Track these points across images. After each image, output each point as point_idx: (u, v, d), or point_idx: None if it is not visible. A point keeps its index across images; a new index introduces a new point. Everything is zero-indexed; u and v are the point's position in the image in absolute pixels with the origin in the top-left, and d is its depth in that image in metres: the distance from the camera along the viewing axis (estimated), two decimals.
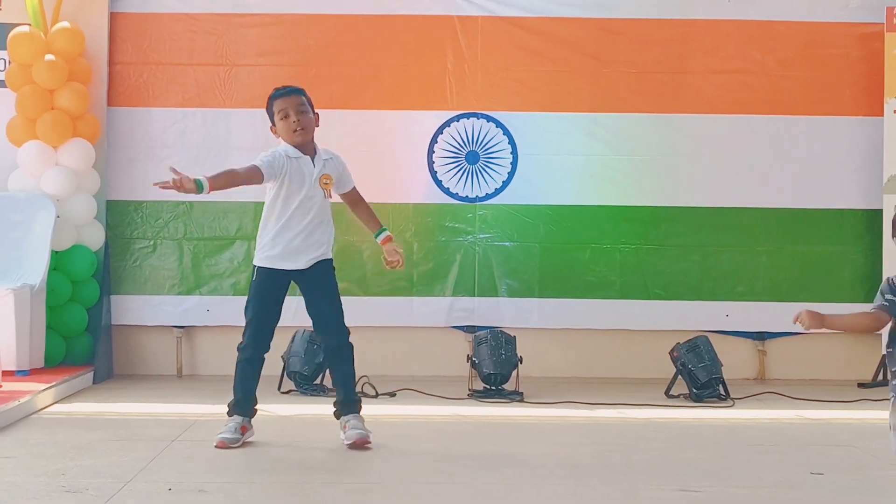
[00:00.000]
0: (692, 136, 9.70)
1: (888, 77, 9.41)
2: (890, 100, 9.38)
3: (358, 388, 8.40)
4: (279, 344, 8.84)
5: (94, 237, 9.36)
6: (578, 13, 9.67)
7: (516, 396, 8.65)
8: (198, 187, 6.32)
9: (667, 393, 8.80)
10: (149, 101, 9.62)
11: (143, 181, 9.52)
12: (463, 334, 9.61)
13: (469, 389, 8.85)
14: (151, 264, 9.62)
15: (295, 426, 7.55)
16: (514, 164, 9.65)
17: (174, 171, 6.33)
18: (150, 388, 9.02)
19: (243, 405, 6.80)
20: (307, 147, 6.78)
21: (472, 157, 9.63)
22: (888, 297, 4.93)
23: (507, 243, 9.64)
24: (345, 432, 6.73)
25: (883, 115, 9.44)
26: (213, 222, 9.59)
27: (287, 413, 7.91)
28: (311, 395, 8.67)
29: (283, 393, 8.76)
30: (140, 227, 9.60)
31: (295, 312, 9.45)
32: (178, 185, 6.26)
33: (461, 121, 9.64)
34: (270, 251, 6.77)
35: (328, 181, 6.82)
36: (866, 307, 9.22)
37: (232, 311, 9.56)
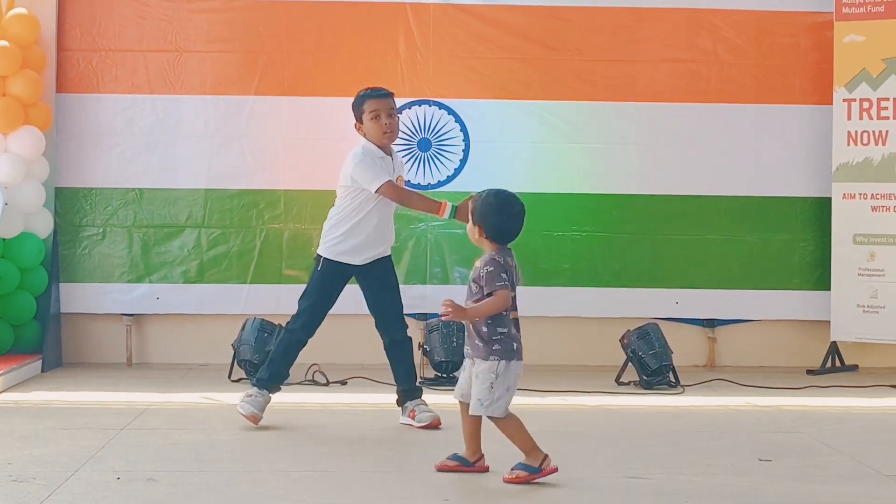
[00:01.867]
0: (643, 124, 9.72)
1: (837, 66, 9.46)
2: (839, 88, 9.44)
3: (308, 376, 8.49)
4: (231, 332, 8.86)
5: (43, 225, 9.28)
6: (530, 1, 9.67)
7: None
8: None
9: (617, 380, 8.84)
10: (98, 88, 9.53)
11: (92, 168, 9.46)
12: (414, 322, 9.58)
13: (420, 377, 8.84)
14: (101, 252, 9.54)
15: None
16: (466, 151, 9.65)
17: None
18: (100, 376, 8.96)
19: (276, 380, 7.09)
20: (388, 148, 7.10)
21: (424, 145, 9.62)
22: (503, 276, 5.67)
23: (458, 231, 9.60)
24: (415, 417, 7.08)
25: (832, 104, 9.49)
26: (163, 210, 9.52)
27: (237, 401, 7.88)
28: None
29: (233, 381, 8.73)
30: (89, 215, 9.52)
31: (245, 300, 9.51)
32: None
33: (413, 108, 9.63)
34: (341, 245, 7.06)
35: (401, 181, 7.14)
36: (810, 295, 9.45)
37: (182, 299, 9.55)
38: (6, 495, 5.19)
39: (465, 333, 5.85)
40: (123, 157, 9.51)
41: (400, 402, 7.22)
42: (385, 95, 7.08)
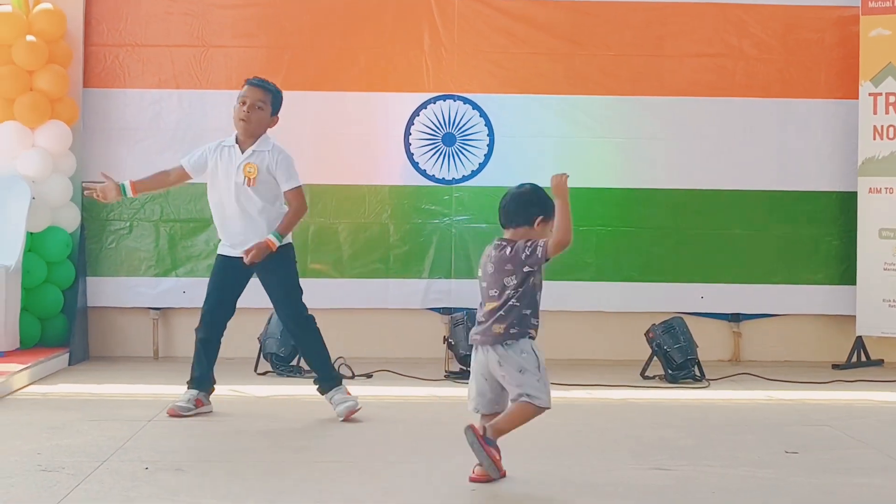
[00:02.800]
0: (668, 119, 9.71)
1: (863, 60, 9.43)
2: (865, 83, 9.41)
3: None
4: (257, 326, 8.90)
5: (70, 219, 9.33)
6: None
7: None
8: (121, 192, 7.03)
9: (642, 374, 8.83)
10: (124, 83, 9.57)
11: (118, 163, 9.47)
12: (439, 316, 9.61)
13: (445, 371, 8.87)
14: (127, 246, 9.59)
15: (271, 406, 7.57)
16: (491, 146, 9.65)
17: (105, 175, 7.03)
18: (127, 369, 9.01)
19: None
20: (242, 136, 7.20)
21: (449, 139, 9.63)
22: None
23: (483, 225, 9.62)
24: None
25: (858, 98, 9.46)
26: (190, 204, 9.55)
27: (263, 394, 7.92)
28: (288, 376, 8.68)
29: (259, 374, 8.76)
30: (116, 209, 9.56)
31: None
32: (101, 196, 7.07)
33: (437, 103, 9.64)
34: None
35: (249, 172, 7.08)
36: (836, 290, 9.40)
37: None
38: (36, 484, 5.23)
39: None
40: (150, 152, 9.54)
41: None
42: (253, 84, 7.11)
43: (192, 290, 9.49)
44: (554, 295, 9.48)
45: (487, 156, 9.65)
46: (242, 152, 7.02)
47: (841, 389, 8.49)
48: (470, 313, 8.98)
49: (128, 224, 9.57)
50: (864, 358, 9.51)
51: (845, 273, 9.65)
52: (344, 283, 9.58)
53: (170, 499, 5.05)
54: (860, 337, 9.50)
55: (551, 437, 6.55)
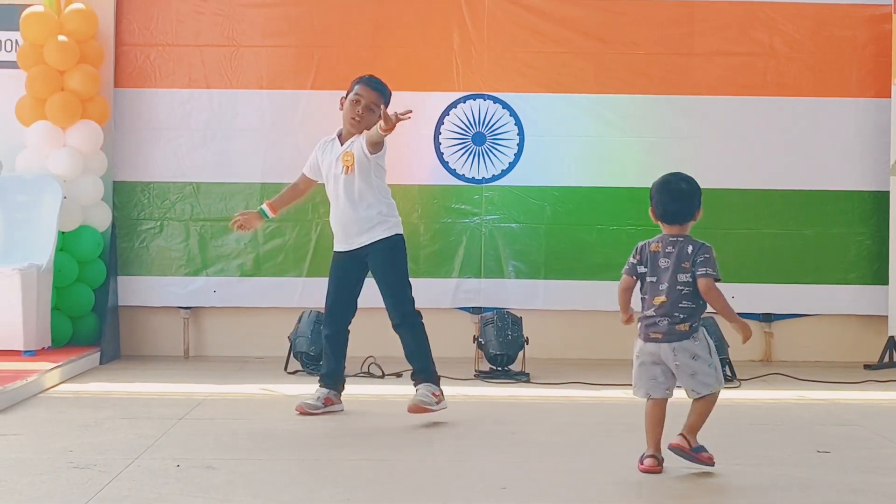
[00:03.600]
0: (698, 117, 9.69)
1: (895, 58, 9.38)
2: None
3: (364, 369, 8.52)
4: (287, 325, 8.91)
5: (101, 218, 9.38)
6: None
7: (522, 377, 8.66)
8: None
9: None
10: (155, 83, 9.63)
11: (149, 162, 9.56)
12: (469, 315, 9.62)
13: (475, 370, 8.87)
14: (158, 245, 9.63)
15: None
16: (521, 145, 9.65)
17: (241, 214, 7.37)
18: (157, 368, 9.04)
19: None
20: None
21: (479, 139, 9.63)
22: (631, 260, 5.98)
23: (513, 225, 9.64)
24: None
25: (890, 97, 9.42)
26: (220, 203, 9.58)
27: (294, 392, 7.93)
28: (318, 374, 8.66)
29: (289, 373, 8.78)
30: (147, 209, 9.61)
31: (301, 293, 9.55)
32: (244, 225, 7.29)
33: (467, 102, 9.64)
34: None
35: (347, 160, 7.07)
36: (868, 290, 9.36)
37: (239, 292, 9.61)
38: (69, 481, 5.24)
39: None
40: (180, 152, 9.60)
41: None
42: (369, 85, 7.10)
43: (222, 290, 9.56)
44: (585, 294, 9.63)
45: (517, 155, 9.65)
46: (342, 145, 7.04)
47: (873, 389, 8.45)
48: (499, 313, 8.98)
49: (158, 223, 9.61)
50: None
51: (877, 273, 9.60)
52: (373, 282, 9.56)
53: (201, 496, 5.05)
54: (892, 337, 9.44)
55: (580, 435, 6.56)
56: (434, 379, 7.04)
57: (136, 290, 9.61)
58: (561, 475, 5.61)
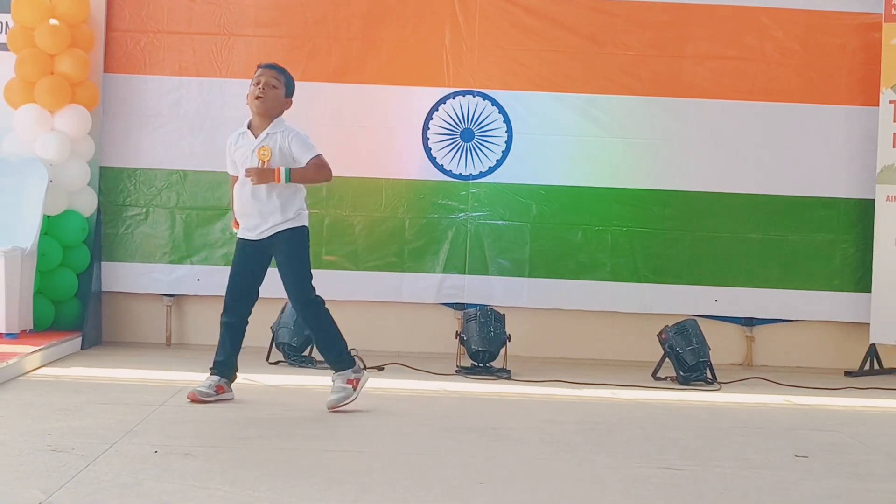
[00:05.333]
0: (686, 120, 9.70)
1: (885, 67, 9.41)
2: (886, 90, 9.39)
3: None
4: (270, 316, 8.90)
5: (87, 203, 9.36)
6: None
7: (504, 374, 8.67)
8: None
9: (654, 375, 8.82)
10: (145, 69, 9.60)
11: (137, 149, 9.55)
12: (452, 311, 9.62)
13: (457, 366, 8.87)
14: (143, 232, 9.61)
15: (282, 395, 7.57)
16: (509, 143, 9.65)
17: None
18: (139, 355, 9.03)
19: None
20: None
21: (467, 135, 9.63)
22: None
23: (499, 222, 9.65)
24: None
25: (878, 105, 9.45)
26: (207, 192, 9.57)
27: (275, 383, 7.92)
28: (300, 366, 8.69)
29: (271, 364, 8.78)
30: (133, 195, 9.59)
31: (280, 283, 9.53)
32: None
33: (457, 98, 9.64)
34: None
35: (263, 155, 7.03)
36: (851, 297, 9.36)
37: (222, 280, 9.51)
38: (46, 464, 5.23)
39: None
40: (168, 139, 9.58)
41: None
42: (267, 66, 7.13)
43: (206, 278, 9.54)
44: (568, 294, 9.63)
45: (505, 152, 9.65)
46: (255, 137, 7.01)
47: (853, 396, 8.46)
48: (483, 309, 8.99)
49: (144, 210, 9.59)
50: (876, 366, 9.49)
51: (860, 280, 9.63)
52: (358, 275, 9.59)
53: (178, 482, 5.05)
54: (874, 345, 9.48)
55: (560, 433, 6.56)
56: (348, 363, 7.05)
57: (119, 276, 9.59)
58: (538, 471, 5.61)
